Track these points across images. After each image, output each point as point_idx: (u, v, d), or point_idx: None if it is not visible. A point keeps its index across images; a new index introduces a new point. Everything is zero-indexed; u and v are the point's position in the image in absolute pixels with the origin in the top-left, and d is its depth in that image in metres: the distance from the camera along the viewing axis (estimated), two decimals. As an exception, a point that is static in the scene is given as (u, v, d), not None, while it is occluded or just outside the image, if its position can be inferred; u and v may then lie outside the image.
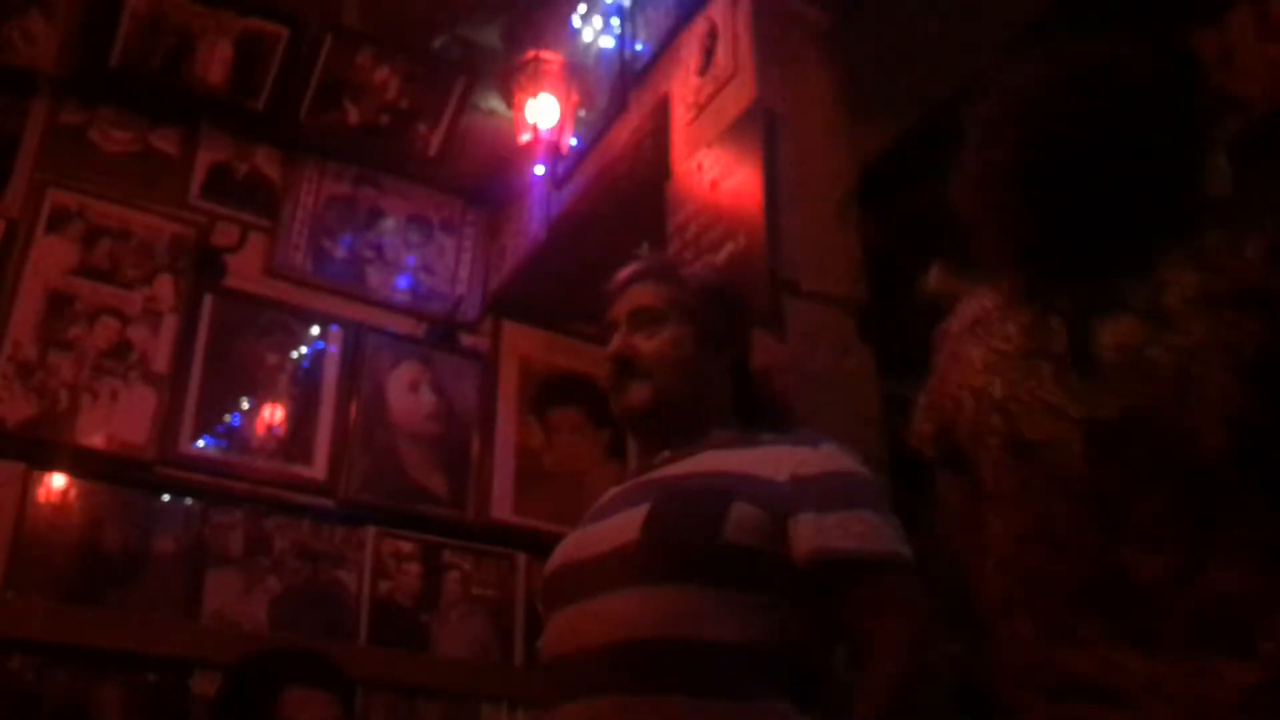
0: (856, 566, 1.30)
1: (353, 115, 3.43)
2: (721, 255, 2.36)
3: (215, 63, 3.25)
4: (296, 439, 3.23)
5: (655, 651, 1.28)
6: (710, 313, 1.60)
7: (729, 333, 1.62)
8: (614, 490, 1.56)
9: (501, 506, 3.42)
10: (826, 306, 2.26)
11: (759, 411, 1.62)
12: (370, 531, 3.21)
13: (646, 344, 1.56)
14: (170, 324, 3.15)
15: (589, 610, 1.36)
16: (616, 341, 1.58)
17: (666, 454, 1.53)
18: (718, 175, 2.45)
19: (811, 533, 1.32)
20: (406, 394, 3.45)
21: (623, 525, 1.40)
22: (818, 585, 1.32)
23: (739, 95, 2.48)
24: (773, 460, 1.41)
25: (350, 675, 2.62)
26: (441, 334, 3.62)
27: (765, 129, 2.36)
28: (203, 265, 3.28)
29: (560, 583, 1.46)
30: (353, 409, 3.33)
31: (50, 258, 3.06)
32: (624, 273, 1.65)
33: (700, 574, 1.31)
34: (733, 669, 1.27)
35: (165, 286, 3.18)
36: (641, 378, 1.54)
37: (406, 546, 3.25)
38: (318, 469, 3.23)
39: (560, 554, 1.51)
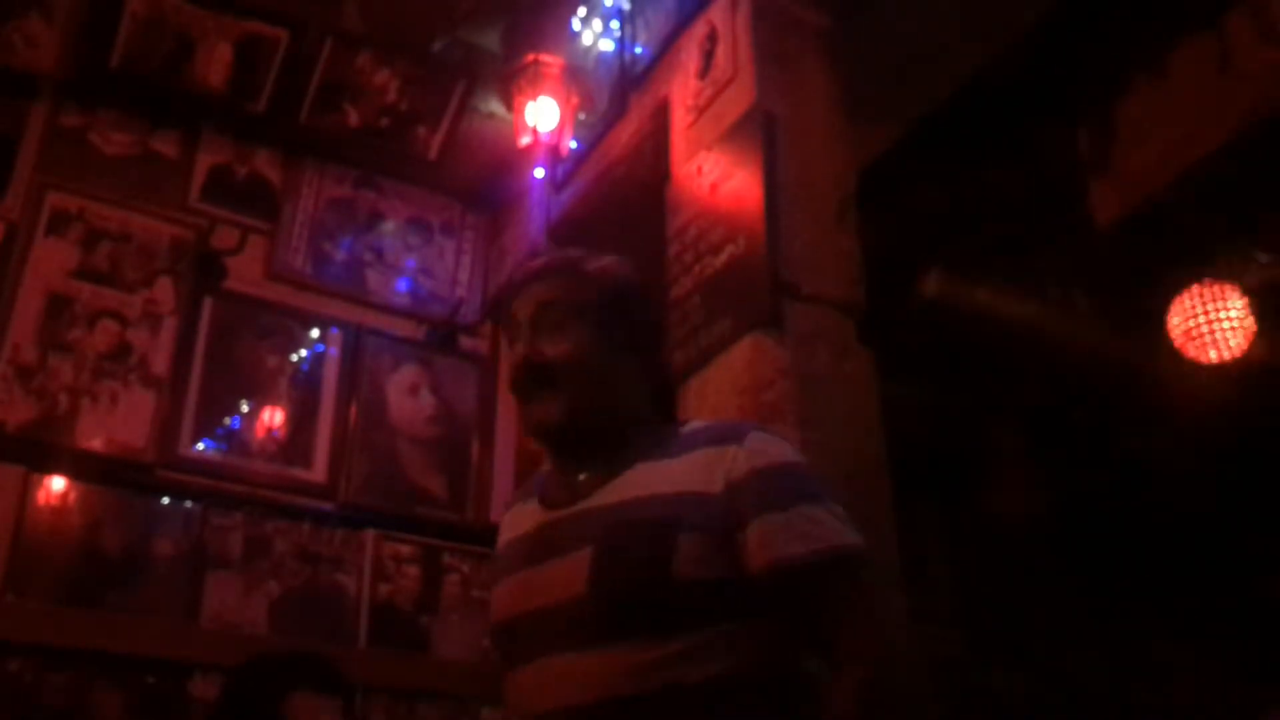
0: (806, 570, 1.27)
1: (353, 118, 3.44)
2: (721, 258, 2.37)
3: (215, 65, 3.25)
4: (296, 442, 3.23)
5: (633, 707, 1.24)
6: (619, 310, 1.47)
7: (641, 329, 1.51)
8: (542, 516, 1.45)
9: (501, 509, 3.41)
10: (826, 309, 2.27)
11: (669, 405, 1.55)
12: (370, 534, 3.21)
13: (553, 348, 1.43)
14: (170, 326, 3.15)
15: (553, 669, 1.31)
16: (521, 347, 1.45)
17: (592, 474, 1.42)
18: (718, 178, 2.45)
19: (758, 544, 1.27)
20: (406, 397, 3.44)
21: (567, 574, 1.32)
22: (775, 595, 1.29)
23: (738, 98, 2.48)
24: (703, 468, 1.33)
25: (350, 678, 2.62)
26: (441, 337, 3.61)
27: (765, 132, 2.36)
28: (203, 268, 3.28)
29: (513, 636, 1.39)
30: (352, 412, 3.33)
31: (50, 260, 3.06)
32: (524, 269, 1.52)
33: (661, 622, 1.26)
34: (715, 707, 1.25)
35: (165, 289, 3.18)
36: (552, 388, 1.41)
37: (406, 549, 3.25)
38: (317, 472, 3.23)
39: (506, 599, 1.43)
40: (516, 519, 1.52)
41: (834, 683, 1.24)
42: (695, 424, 1.46)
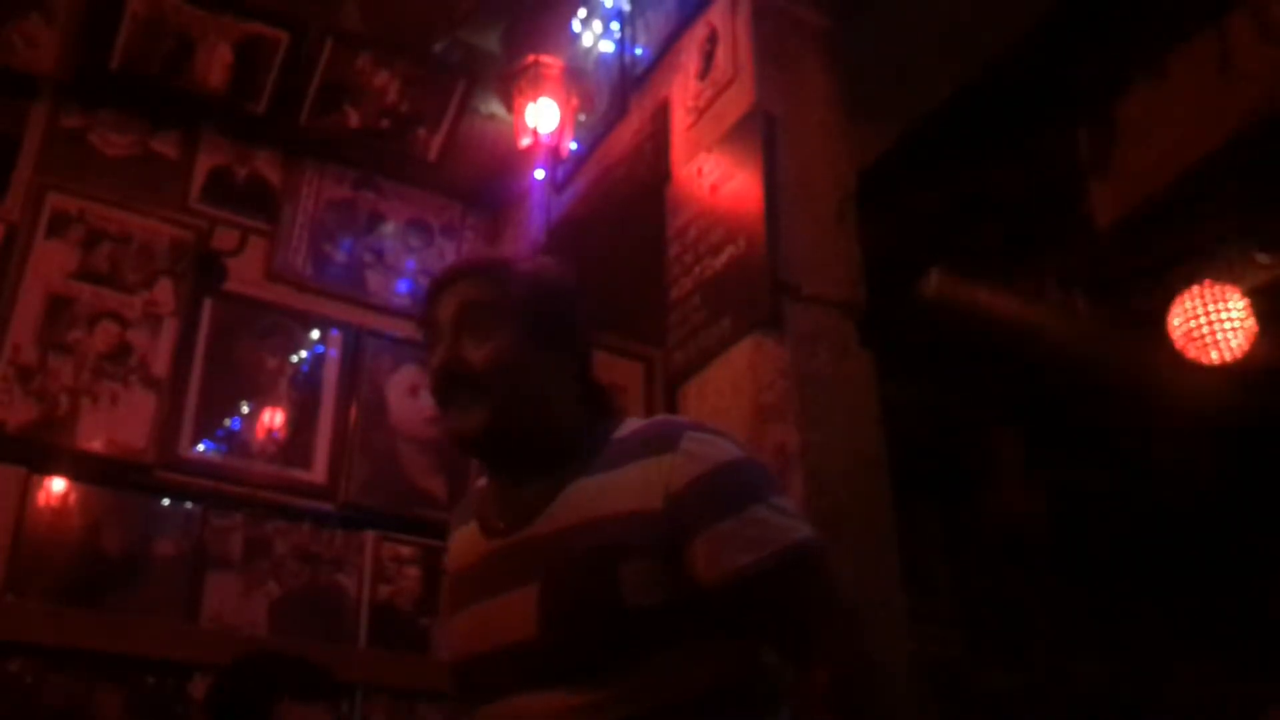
0: (759, 578, 1.22)
1: (353, 119, 3.44)
2: (721, 259, 2.37)
3: (215, 66, 3.25)
4: (296, 443, 3.23)
5: None
6: (547, 310, 1.38)
7: (570, 329, 1.41)
8: (485, 545, 1.38)
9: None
10: (826, 309, 2.27)
11: (606, 409, 1.43)
12: (370, 535, 3.21)
13: (476, 353, 1.33)
14: (170, 328, 3.15)
15: (511, 710, 1.27)
16: (442, 351, 1.35)
17: (529, 493, 1.34)
18: (718, 179, 2.45)
19: (707, 558, 1.23)
20: (406, 398, 3.44)
21: (515, 612, 1.27)
22: (732, 606, 1.25)
23: (739, 99, 2.48)
24: (640, 482, 1.27)
25: (344, 679, 2.62)
26: (441, 338, 3.61)
27: (765, 133, 2.36)
28: (203, 269, 3.28)
29: (469, 677, 1.35)
30: (352, 413, 3.33)
31: (50, 261, 3.06)
32: (446, 269, 1.42)
33: (617, 655, 1.22)
34: None
35: (165, 290, 3.18)
36: (475, 396, 1.32)
37: (406, 550, 3.25)
38: (317, 473, 3.23)
39: (459, 639, 1.38)
40: (461, 546, 1.44)
41: (807, 683, 1.22)
42: (630, 425, 1.37)
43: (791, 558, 1.24)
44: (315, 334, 3.40)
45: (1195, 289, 3.56)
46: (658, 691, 1.22)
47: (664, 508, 1.25)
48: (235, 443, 3.15)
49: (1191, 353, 3.57)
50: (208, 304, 3.25)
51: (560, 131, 3.16)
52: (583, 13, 3.15)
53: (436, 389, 1.37)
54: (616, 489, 1.28)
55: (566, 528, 1.29)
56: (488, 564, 1.36)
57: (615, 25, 3.07)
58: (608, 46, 3.10)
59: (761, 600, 1.24)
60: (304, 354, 3.36)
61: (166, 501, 2.99)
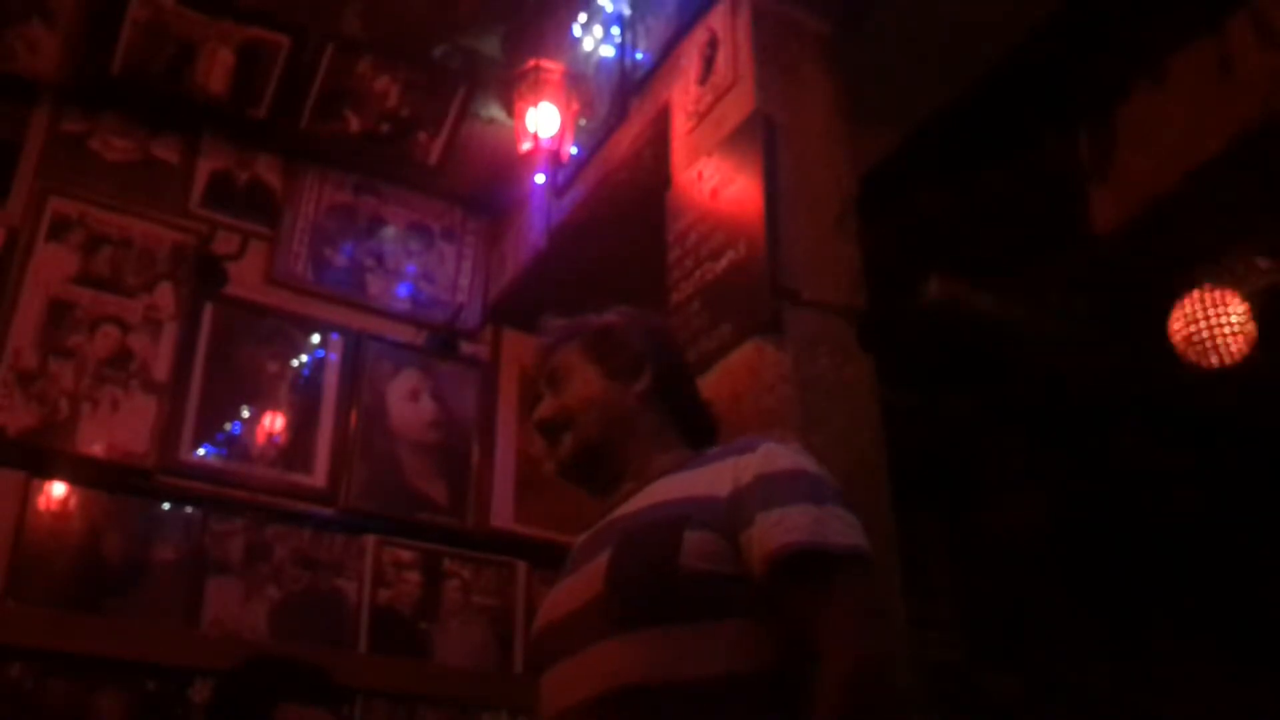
0: (796, 561, 1.28)
1: (354, 123, 3.44)
2: (721, 263, 2.37)
3: (216, 71, 3.25)
4: (297, 447, 3.23)
5: (639, 699, 1.28)
6: (611, 347, 1.63)
7: (639, 360, 1.62)
8: (582, 538, 1.56)
9: (501, 514, 3.42)
10: (827, 315, 2.27)
11: (705, 431, 1.63)
12: (370, 540, 3.21)
13: (559, 403, 1.62)
14: (171, 332, 3.15)
15: (571, 666, 1.37)
16: (538, 410, 1.65)
17: (620, 492, 1.55)
18: (718, 184, 2.45)
19: (758, 541, 1.31)
20: (407, 402, 3.44)
21: (589, 577, 1.41)
22: (771, 589, 1.30)
23: (739, 104, 2.48)
24: (715, 476, 1.41)
25: (344, 684, 2.62)
26: (442, 342, 3.62)
27: (765, 138, 2.36)
28: (203, 273, 3.28)
29: (544, 644, 1.48)
30: (353, 417, 3.33)
31: (51, 266, 3.07)
32: (540, 347, 1.72)
33: (667, 613, 1.31)
34: (717, 704, 1.26)
35: (166, 295, 3.18)
36: (563, 432, 1.60)
37: (406, 555, 3.25)
38: (318, 477, 3.23)
39: (542, 613, 1.53)
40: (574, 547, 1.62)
41: (817, 681, 1.24)
42: (721, 446, 1.55)
43: (823, 554, 1.30)
44: (316, 338, 3.40)
45: (1195, 293, 3.56)
46: (703, 660, 1.28)
47: (729, 495, 1.37)
48: (236, 447, 3.15)
49: (1192, 357, 3.57)
50: (208, 308, 3.26)
51: (560, 136, 3.16)
52: (583, 17, 3.15)
53: (541, 441, 1.65)
54: (693, 480, 1.44)
55: (644, 508, 1.45)
56: (581, 547, 1.53)
57: (615, 30, 3.07)
58: (608, 51, 3.10)
59: (786, 585, 1.29)
60: (304, 358, 3.36)
61: (167, 506, 3.00)
